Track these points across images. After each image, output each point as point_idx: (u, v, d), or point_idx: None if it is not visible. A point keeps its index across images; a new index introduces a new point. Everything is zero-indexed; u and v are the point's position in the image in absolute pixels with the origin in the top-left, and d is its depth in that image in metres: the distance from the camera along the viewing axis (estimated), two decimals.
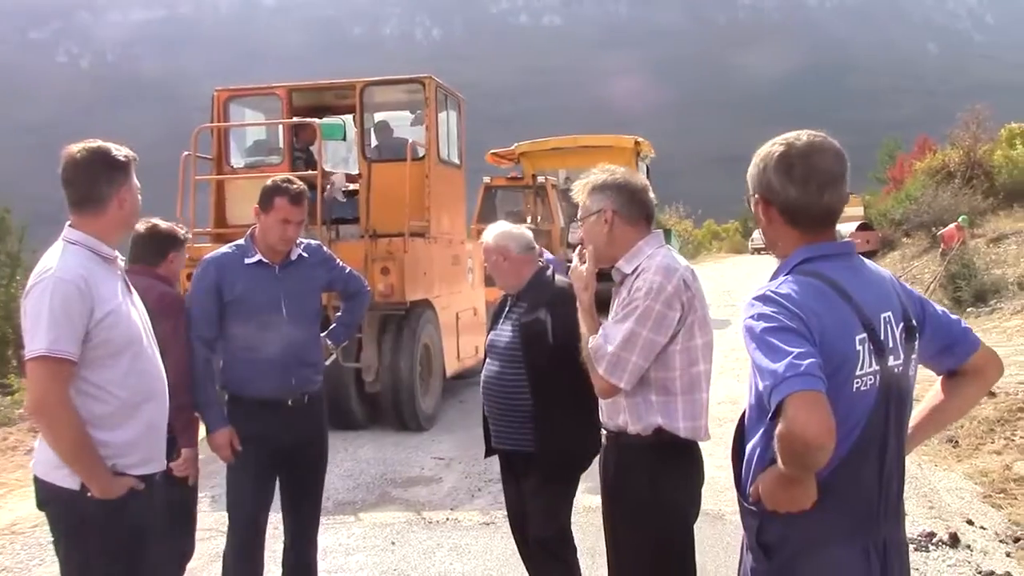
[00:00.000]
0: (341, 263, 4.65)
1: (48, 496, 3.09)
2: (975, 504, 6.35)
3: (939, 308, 2.46)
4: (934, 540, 5.51)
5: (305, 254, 4.34)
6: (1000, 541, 5.60)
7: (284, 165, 9.71)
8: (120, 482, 3.04)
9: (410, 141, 9.60)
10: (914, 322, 2.29)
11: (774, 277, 2.26)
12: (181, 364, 3.99)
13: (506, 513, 4.48)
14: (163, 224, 4.48)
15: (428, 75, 9.79)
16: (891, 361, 2.20)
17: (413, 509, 6.60)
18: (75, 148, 3.13)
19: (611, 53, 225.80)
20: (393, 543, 5.84)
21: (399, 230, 9.00)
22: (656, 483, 3.10)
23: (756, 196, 2.33)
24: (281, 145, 10.38)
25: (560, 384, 3.62)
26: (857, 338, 2.13)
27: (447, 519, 6.34)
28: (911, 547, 5.40)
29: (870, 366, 2.15)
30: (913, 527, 5.76)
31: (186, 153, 9.26)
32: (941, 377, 2.49)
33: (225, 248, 4.32)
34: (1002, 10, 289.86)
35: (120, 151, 3.17)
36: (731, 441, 2.41)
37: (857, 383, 2.13)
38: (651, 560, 3.14)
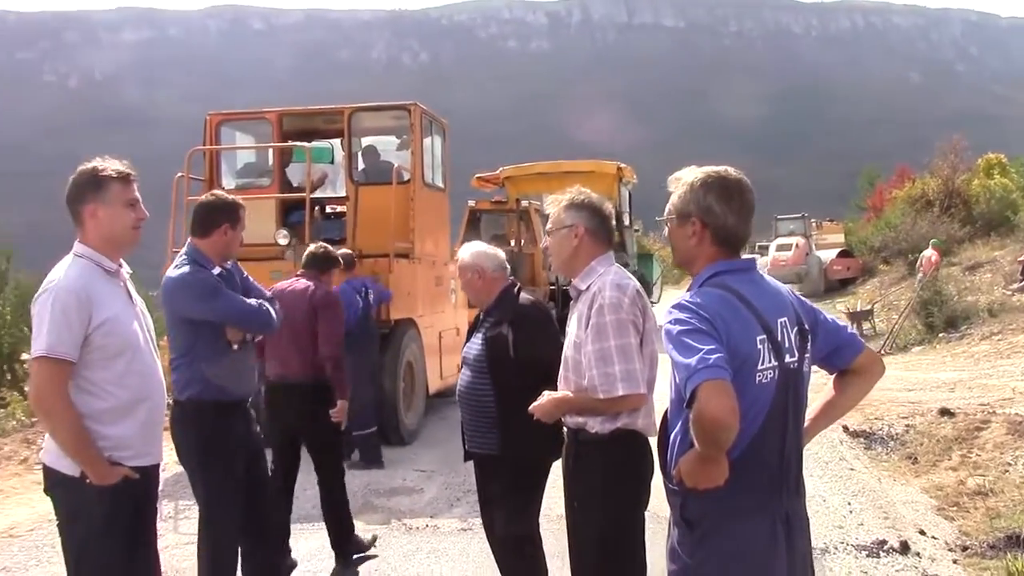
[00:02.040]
0: None
1: (53, 482, 3.43)
2: (928, 516, 6.66)
3: (830, 317, 2.84)
4: (885, 547, 5.83)
5: None
6: (949, 550, 5.89)
7: (274, 187, 10.06)
8: (115, 471, 3.35)
9: (396, 165, 9.94)
10: (807, 326, 2.67)
11: (690, 289, 2.63)
12: (333, 340, 5.76)
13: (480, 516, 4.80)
14: (330, 248, 6.33)
15: (414, 102, 10.16)
16: (787, 359, 2.57)
17: (395, 516, 6.89)
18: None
19: (598, 79, 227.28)
20: (378, 546, 6.14)
21: (384, 251, 9.33)
22: (606, 475, 3.46)
23: (693, 218, 2.67)
24: (270, 167, 10.72)
25: (521, 392, 3.84)
26: (758, 339, 2.50)
27: (427, 526, 6.65)
28: (863, 553, 5.76)
29: (770, 362, 2.51)
30: (866, 535, 6.11)
31: (179, 175, 9.57)
32: (833, 376, 2.86)
33: (193, 265, 4.46)
34: (985, 41, 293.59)
35: (98, 167, 3.45)
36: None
37: (759, 376, 2.50)
38: (601, 544, 3.49)
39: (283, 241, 9.18)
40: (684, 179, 2.71)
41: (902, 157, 50.67)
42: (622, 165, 20.28)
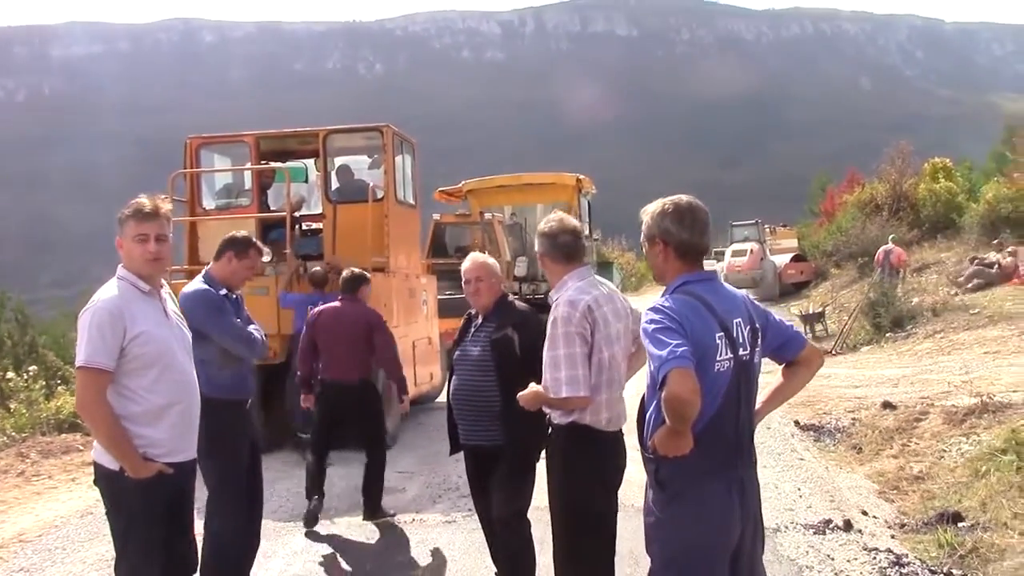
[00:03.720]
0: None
1: (99, 474, 3.96)
2: (871, 499, 7.32)
3: (778, 317, 3.48)
4: (830, 526, 6.46)
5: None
6: (888, 527, 6.54)
7: (253, 207, 10.53)
8: (150, 466, 3.85)
9: (371, 184, 10.46)
10: (758, 325, 3.30)
11: (663, 296, 3.24)
12: (392, 350, 7.47)
13: (472, 506, 5.38)
14: (357, 270, 7.75)
15: (386, 124, 10.68)
16: (741, 352, 3.19)
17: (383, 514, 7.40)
18: None
19: (552, 87, 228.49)
20: (368, 539, 6.67)
21: (361, 265, 9.82)
22: (565, 457, 4.14)
23: (657, 240, 3.30)
24: (247, 188, 11.19)
25: (523, 388, 4.36)
26: (716, 335, 3.12)
27: (413, 520, 7.19)
28: (811, 531, 6.38)
29: (726, 354, 3.13)
30: (814, 516, 6.74)
31: (163, 197, 9.99)
32: (782, 366, 3.50)
33: (204, 284, 5.38)
34: (930, 46, 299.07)
35: (128, 206, 3.97)
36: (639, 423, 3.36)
37: (717, 366, 3.10)
38: (566, 512, 4.16)
39: (266, 259, 9.66)
40: (649, 210, 3.35)
41: (854, 160, 51.76)
42: (581, 176, 20.83)
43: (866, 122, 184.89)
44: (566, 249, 4.29)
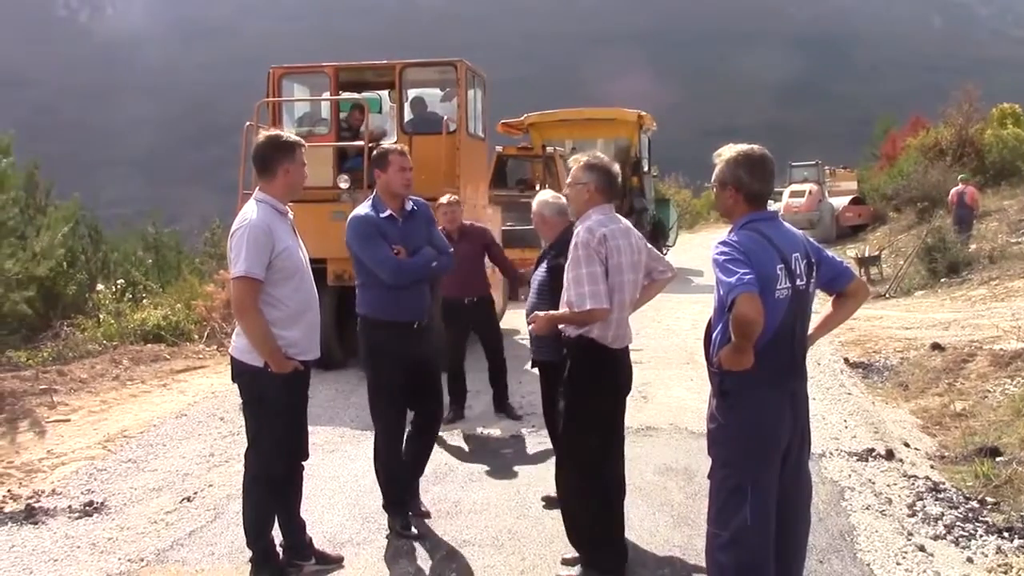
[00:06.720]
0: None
1: (240, 371, 4.55)
2: (914, 432, 7.72)
3: (830, 253, 3.91)
4: (873, 454, 6.90)
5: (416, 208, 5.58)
6: (928, 458, 6.94)
7: (331, 135, 11.02)
8: (289, 363, 4.45)
9: (445, 117, 10.87)
10: (813, 260, 3.72)
11: (730, 232, 3.67)
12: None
13: (542, 420, 5.96)
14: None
15: (460, 59, 11.06)
16: (798, 282, 3.62)
17: (451, 427, 7.95)
18: (261, 135, 4.55)
19: (613, 19, 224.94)
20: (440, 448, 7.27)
21: (433, 194, 10.28)
22: (572, 366, 4.64)
23: (729, 186, 3.71)
24: (324, 116, 11.69)
25: None
26: (777, 267, 3.54)
27: (480, 432, 7.82)
28: (854, 458, 6.82)
29: (785, 284, 3.56)
30: (858, 445, 7.17)
31: (248, 123, 10.49)
32: (832, 297, 3.93)
33: (373, 208, 5.42)
34: None
35: (289, 137, 4.53)
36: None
37: (778, 293, 3.53)
38: (568, 417, 4.72)
39: (345, 185, 10.16)
40: (723, 156, 3.75)
41: (920, 103, 50.50)
42: (643, 113, 21.02)
43: (935, 64, 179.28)
44: (612, 186, 4.71)
